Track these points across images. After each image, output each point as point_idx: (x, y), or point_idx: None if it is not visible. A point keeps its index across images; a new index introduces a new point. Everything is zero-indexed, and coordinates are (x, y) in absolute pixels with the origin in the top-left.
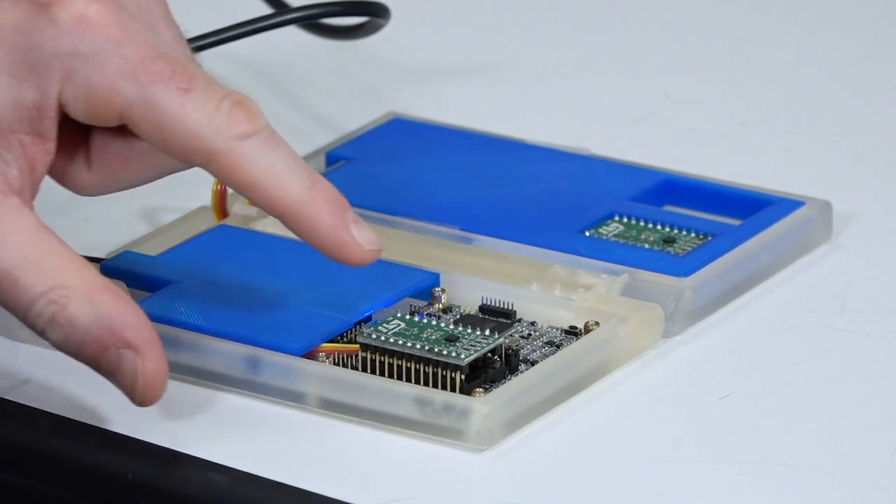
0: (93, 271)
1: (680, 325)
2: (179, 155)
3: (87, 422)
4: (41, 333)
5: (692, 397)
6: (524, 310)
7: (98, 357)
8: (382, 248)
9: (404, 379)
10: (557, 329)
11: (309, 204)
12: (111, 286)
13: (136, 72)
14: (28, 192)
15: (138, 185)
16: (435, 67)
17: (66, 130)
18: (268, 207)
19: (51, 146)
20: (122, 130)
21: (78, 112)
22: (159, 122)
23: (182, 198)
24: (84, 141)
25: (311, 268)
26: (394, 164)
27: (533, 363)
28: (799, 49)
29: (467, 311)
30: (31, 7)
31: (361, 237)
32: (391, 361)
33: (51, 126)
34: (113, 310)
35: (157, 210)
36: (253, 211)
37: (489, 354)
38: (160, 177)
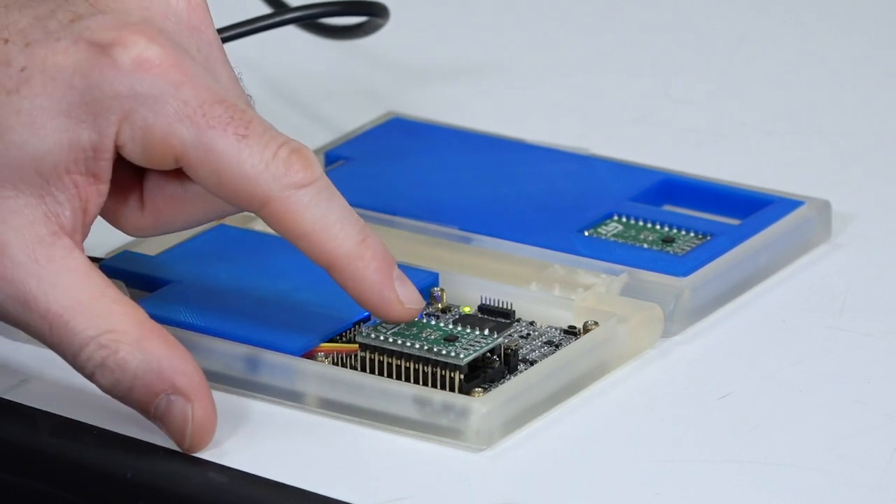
0: (143, 315)
1: (679, 324)
2: (234, 200)
3: (87, 422)
4: (89, 376)
5: (691, 397)
6: (523, 309)
7: (147, 402)
8: (423, 305)
9: (403, 379)
10: (556, 329)
11: (358, 259)
12: (162, 331)
13: (194, 116)
14: (79, 234)
15: (190, 228)
16: (435, 67)
17: (120, 172)
18: (316, 257)
19: (104, 188)
20: (177, 173)
21: (134, 154)
22: (215, 167)
23: None
24: (138, 183)
25: (311, 268)
26: (393, 164)
27: (532, 363)
28: (799, 49)
29: (466, 311)
30: (92, 48)
31: (405, 295)
32: (390, 361)
33: (106, 167)
34: (163, 355)
35: None
36: None
37: (488, 354)
38: (211, 220)
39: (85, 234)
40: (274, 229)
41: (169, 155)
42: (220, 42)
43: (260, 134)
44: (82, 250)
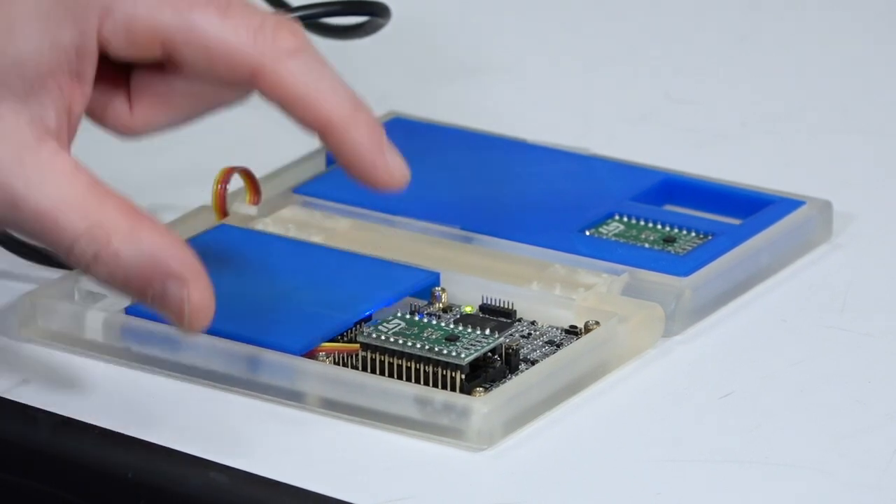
0: (132, 206)
1: (680, 324)
2: (225, 74)
3: (87, 422)
4: (86, 271)
5: (692, 397)
6: (524, 309)
7: (144, 290)
8: (410, 175)
9: (404, 378)
10: (557, 328)
11: (351, 124)
12: (152, 220)
13: (174, 1)
14: (65, 135)
15: (178, 125)
16: (435, 67)
17: (105, 71)
18: (311, 122)
19: (88, 89)
20: (163, 69)
21: (119, 49)
22: (202, 44)
23: (182, 198)
24: (124, 82)
25: (311, 267)
26: None
27: (533, 362)
28: (799, 49)
29: (467, 311)
30: None
31: (393, 164)
32: (391, 361)
33: (89, 67)
34: (156, 242)
35: (158, 210)
36: (253, 211)
37: (489, 354)
38: (199, 116)
39: (71, 136)
40: (266, 98)
41: (154, 43)
42: None
43: (241, 8)
44: (69, 151)
